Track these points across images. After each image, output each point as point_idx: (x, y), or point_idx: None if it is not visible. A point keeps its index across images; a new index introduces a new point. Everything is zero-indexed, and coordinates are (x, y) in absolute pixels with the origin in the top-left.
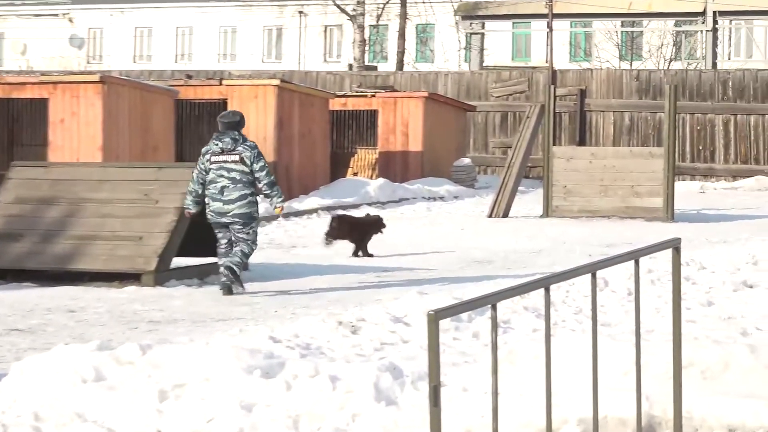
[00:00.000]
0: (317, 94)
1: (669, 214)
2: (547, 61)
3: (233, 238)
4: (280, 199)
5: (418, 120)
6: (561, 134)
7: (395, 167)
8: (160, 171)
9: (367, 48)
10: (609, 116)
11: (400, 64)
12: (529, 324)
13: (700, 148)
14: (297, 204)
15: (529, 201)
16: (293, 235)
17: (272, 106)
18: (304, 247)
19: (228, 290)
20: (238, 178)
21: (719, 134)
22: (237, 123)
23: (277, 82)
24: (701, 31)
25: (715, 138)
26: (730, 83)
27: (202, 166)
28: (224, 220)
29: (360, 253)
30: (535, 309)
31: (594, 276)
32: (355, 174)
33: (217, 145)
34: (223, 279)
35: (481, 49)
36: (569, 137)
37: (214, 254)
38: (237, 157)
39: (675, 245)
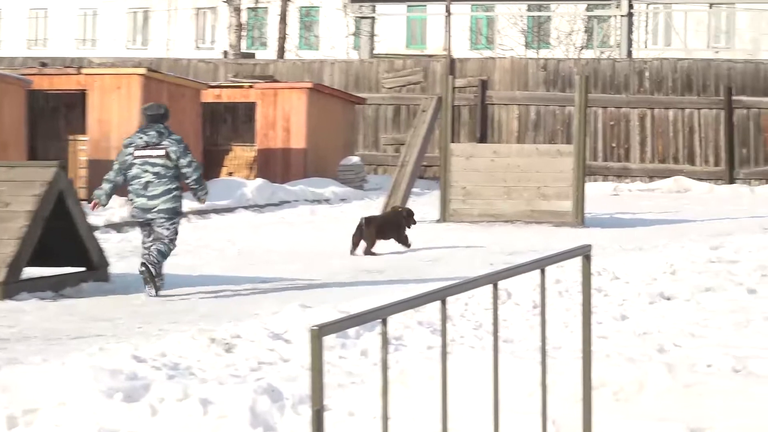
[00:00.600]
0: (188, 84)
1: (579, 218)
2: (444, 49)
3: (154, 236)
4: (203, 193)
5: (301, 114)
6: (460, 130)
7: (275, 166)
8: (11, 171)
9: (244, 33)
10: (513, 110)
11: (281, 52)
12: (424, 340)
13: (614, 145)
14: None
15: (424, 204)
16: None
17: (137, 98)
18: (172, 256)
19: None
20: (162, 173)
21: (635, 130)
22: (162, 116)
23: (143, 71)
24: (615, 17)
25: (630, 134)
26: (647, 74)
27: (123, 159)
28: (149, 216)
29: (403, 246)
30: (430, 324)
31: (496, 287)
32: (231, 174)
33: (141, 138)
34: (141, 264)
35: (372, 35)
36: (469, 133)
37: (70, 264)
38: (163, 152)
39: (585, 253)
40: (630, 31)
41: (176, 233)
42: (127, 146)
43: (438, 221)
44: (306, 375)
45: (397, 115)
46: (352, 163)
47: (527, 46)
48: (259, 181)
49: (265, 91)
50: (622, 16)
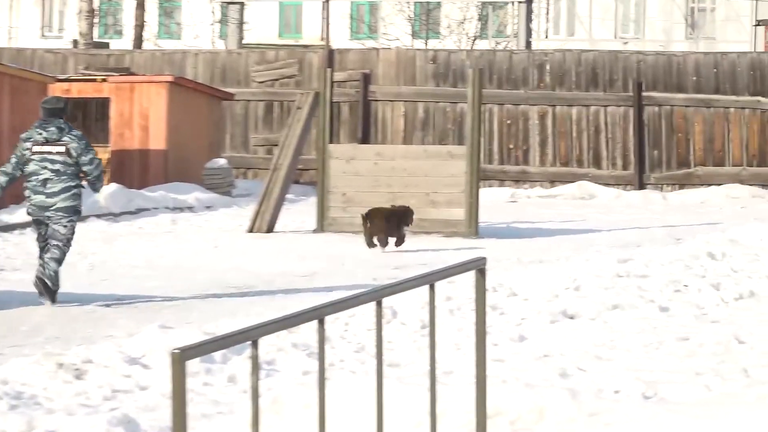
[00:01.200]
0: (33, 77)
1: (472, 228)
2: (322, 39)
3: (49, 233)
4: (100, 185)
5: (161, 111)
6: (339, 129)
7: (132, 170)
8: None
9: (96, 20)
10: (399, 107)
11: (139, 41)
12: (299, 365)
13: (511, 147)
14: (7, 216)
15: (299, 212)
16: (0, 254)
17: None
18: (14, 270)
19: (44, 287)
20: (62, 170)
21: (534, 130)
22: (61, 109)
23: None
24: (512, 3)
25: (529, 134)
26: (548, 67)
27: (21, 154)
28: (47, 214)
29: (397, 244)
30: (306, 346)
31: (380, 305)
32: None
33: (40, 134)
34: (38, 279)
35: (241, 23)
36: (350, 133)
37: None
38: (63, 148)
39: (479, 266)
40: (529, 20)
41: (73, 232)
42: (24, 140)
43: (315, 231)
44: (166, 404)
45: (270, 113)
46: (218, 167)
47: (414, 35)
48: (114, 186)
49: (121, 85)
50: (519, 2)
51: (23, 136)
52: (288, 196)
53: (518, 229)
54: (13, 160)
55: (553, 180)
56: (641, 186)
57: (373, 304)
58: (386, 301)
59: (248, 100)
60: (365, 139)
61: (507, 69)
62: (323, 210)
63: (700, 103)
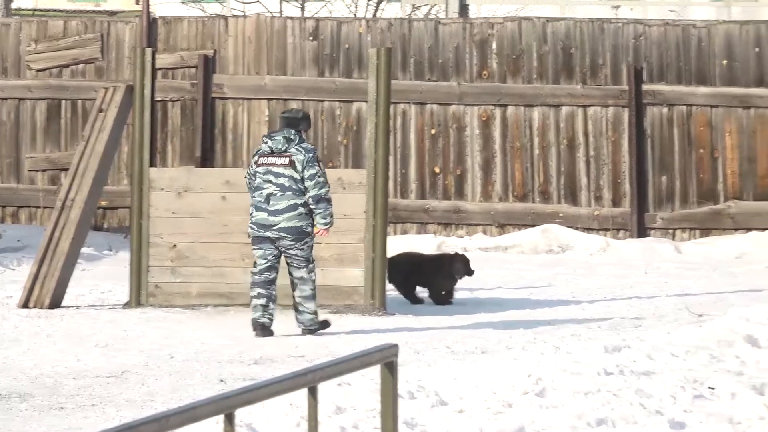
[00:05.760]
0: None
1: (377, 298)
2: (138, 2)
3: (287, 261)
4: (324, 221)
5: None
6: (167, 143)
7: None
8: None
9: None
10: (260, 108)
11: None
12: None
13: (438, 171)
14: None
15: (103, 276)
16: None
17: None
18: None
19: (263, 330)
20: (287, 185)
21: (474, 143)
22: (298, 120)
23: None
24: None
25: (465, 151)
26: (495, 46)
27: (251, 170)
28: (268, 234)
29: (440, 300)
30: None
31: (230, 419)
32: None
33: (266, 143)
34: (255, 315)
35: None
36: (183, 149)
37: None
38: (287, 160)
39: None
40: None
41: (312, 250)
42: (253, 155)
43: (128, 306)
44: None
45: (54, 117)
46: None
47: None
48: None
49: None
50: None
51: (255, 150)
52: (84, 250)
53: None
54: (247, 182)
55: (504, 223)
56: (642, 232)
57: (219, 419)
58: (240, 414)
59: (20, 99)
60: (207, 160)
61: (431, 48)
62: (140, 273)
63: (733, 101)
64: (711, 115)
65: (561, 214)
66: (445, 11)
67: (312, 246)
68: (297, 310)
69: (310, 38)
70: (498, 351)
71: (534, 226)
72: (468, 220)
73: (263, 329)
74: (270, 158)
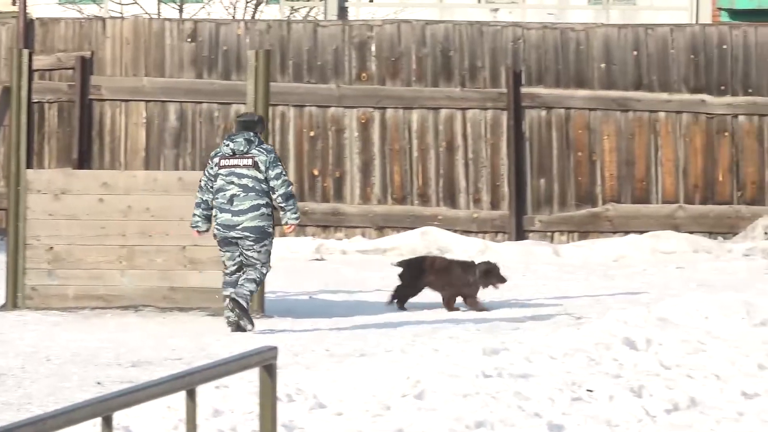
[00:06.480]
0: None
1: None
2: (14, 2)
3: (243, 259)
4: (294, 216)
5: None
6: (44, 145)
7: None
8: None
9: None
10: (138, 110)
11: None
12: None
13: (316, 173)
14: None
15: None
16: None
17: None
18: None
19: (237, 326)
20: (250, 185)
21: (353, 146)
22: (254, 123)
23: None
24: None
25: (344, 153)
26: (374, 48)
27: (211, 171)
28: (233, 234)
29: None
30: None
31: (108, 422)
32: None
33: (227, 146)
34: (229, 314)
35: None
36: (60, 151)
37: None
38: (250, 161)
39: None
40: None
41: (269, 255)
42: (213, 157)
43: (3, 309)
44: None
45: None
46: None
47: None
48: None
49: None
50: None
51: (212, 153)
52: None
53: (328, 302)
54: (202, 183)
55: (383, 225)
56: (520, 234)
57: (96, 422)
58: (118, 417)
59: None
60: (84, 162)
61: (309, 51)
62: (17, 275)
63: (612, 104)
64: (589, 118)
65: (440, 217)
66: (324, 13)
67: (270, 251)
68: (236, 286)
69: (189, 40)
70: (377, 353)
71: (413, 228)
72: (347, 223)
73: (238, 326)
74: (232, 160)
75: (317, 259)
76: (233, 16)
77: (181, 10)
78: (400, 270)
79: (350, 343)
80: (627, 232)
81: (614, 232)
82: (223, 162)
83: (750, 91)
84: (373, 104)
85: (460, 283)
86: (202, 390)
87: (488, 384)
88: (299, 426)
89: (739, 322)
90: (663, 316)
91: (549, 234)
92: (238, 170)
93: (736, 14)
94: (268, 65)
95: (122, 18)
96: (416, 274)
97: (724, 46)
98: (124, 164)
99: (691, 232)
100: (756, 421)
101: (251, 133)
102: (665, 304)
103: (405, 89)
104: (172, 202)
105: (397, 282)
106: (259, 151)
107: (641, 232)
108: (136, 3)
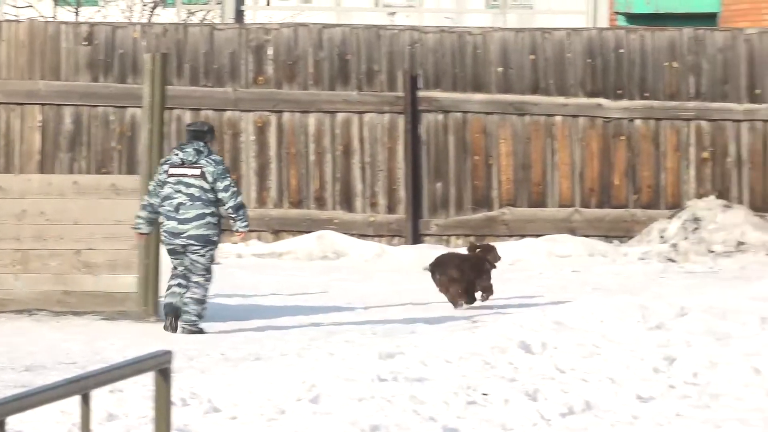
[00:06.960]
0: None
1: (150, 305)
2: None
3: (188, 266)
4: (244, 224)
5: None
6: None
7: None
8: None
9: None
10: (33, 113)
11: None
12: None
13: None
14: None
15: None
16: None
17: None
18: None
19: (173, 311)
20: (197, 194)
21: (249, 149)
22: (204, 133)
23: None
24: None
25: (240, 157)
26: (271, 51)
27: (160, 178)
28: (178, 241)
29: (483, 296)
30: None
31: (1, 427)
32: None
33: (177, 155)
34: (182, 328)
35: None
36: None
37: None
38: (198, 171)
39: (161, 365)
40: None
41: (212, 263)
42: (162, 164)
43: None
44: None
45: None
46: None
47: (57, 1)
48: None
49: None
50: None
51: (162, 159)
52: None
53: (223, 306)
54: (152, 186)
55: (279, 229)
56: (416, 238)
57: None
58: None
59: None
60: None
61: (206, 54)
62: None
63: (508, 107)
64: (486, 122)
65: (336, 221)
66: (221, 17)
67: (213, 257)
68: (182, 310)
69: (85, 43)
70: (272, 357)
71: (309, 232)
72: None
73: (174, 310)
74: (180, 169)
75: (215, 263)
76: (130, 20)
77: (77, 13)
78: (438, 271)
79: (246, 347)
80: (523, 236)
81: (510, 236)
82: (171, 170)
83: (646, 95)
84: (269, 108)
85: (489, 273)
86: (96, 394)
87: (384, 388)
88: (194, 430)
89: (634, 325)
90: (559, 319)
91: (445, 238)
92: (185, 179)
93: (633, 18)
94: (165, 69)
95: (18, 21)
96: (461, 267)
97: (621, 50)
98: (18, 168)
99: (587, 236)
100: (651, 424)
101: (201, 143)
102: (561, 307)
103: (302, 93)
104: (66, 205)
105: (447, 284)
106: (207, 161)
107: (537, 236)
108: (32, 6)
